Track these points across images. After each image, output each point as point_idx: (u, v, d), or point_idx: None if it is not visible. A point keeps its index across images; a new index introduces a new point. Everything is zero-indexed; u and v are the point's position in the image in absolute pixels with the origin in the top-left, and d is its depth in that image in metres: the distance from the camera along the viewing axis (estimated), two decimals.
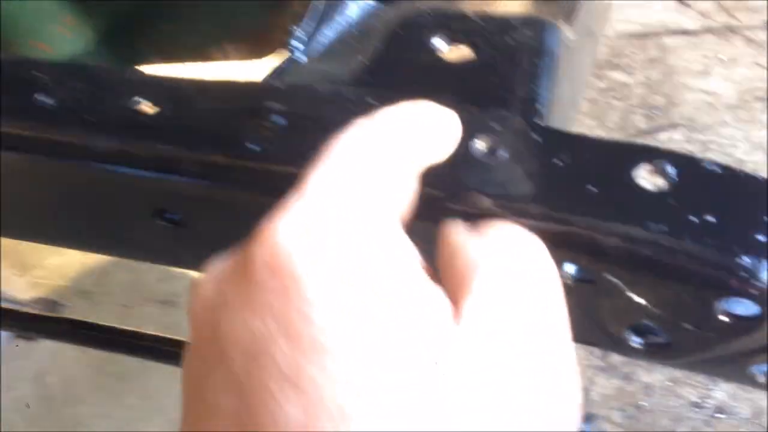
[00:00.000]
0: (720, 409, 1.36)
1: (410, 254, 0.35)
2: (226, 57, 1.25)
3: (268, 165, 0.48)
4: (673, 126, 1.73)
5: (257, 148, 0.49)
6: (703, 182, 0.43)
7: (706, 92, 1.78)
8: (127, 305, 1.65)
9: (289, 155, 0.48)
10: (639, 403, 1.38)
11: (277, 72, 0.72)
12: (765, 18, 1.91)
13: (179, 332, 1.61)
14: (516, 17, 0.57)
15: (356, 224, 0.33)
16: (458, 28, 0.57)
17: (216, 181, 0.50)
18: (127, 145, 0.51)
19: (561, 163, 0.45)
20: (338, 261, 0.31)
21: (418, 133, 0.43)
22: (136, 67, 1.27)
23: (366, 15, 0.90)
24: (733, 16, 1.95)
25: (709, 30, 1.93)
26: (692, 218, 0.42)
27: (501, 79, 0.53)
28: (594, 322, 0.48)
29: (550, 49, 0.55)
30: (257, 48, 1.21)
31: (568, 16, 0.62)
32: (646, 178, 0.44)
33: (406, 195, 0.42)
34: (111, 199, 0.57)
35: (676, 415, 1.35)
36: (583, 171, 0.44)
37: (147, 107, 0.53)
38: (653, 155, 0.44)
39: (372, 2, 0.89)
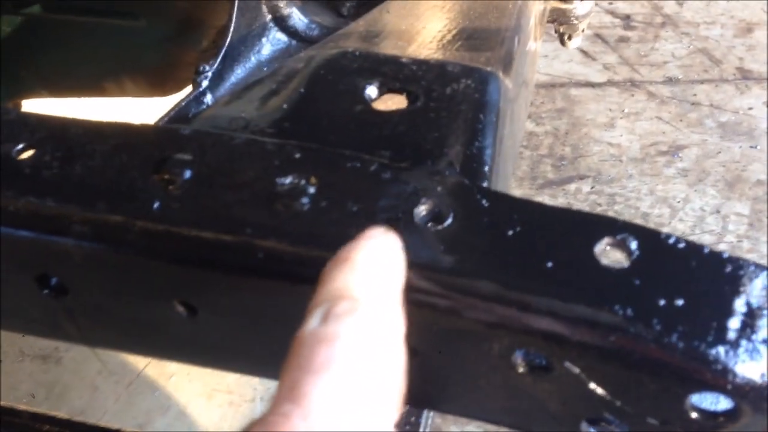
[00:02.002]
0: None
1: None
2: (123, 93, 1.16)
3: (170, 227, 0.41)
4: (581, 177, 1.74)
5: (157, 206, 0.42)
6: (666, 259, 0.39)
7: (612, 144, 1.80)
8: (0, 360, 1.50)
9: (194, 216, 0.41)
10: None
11: (178, 112, 0.64)
12: (665, 73, 1.98)
13: (60, 392, 1.47)
14: (454, 64, 0.52)
15: None
16: (391, 73, 0.52)
17: (107, 243, 0.42)
18: None
19: (513, 235, 0.39)
20: None
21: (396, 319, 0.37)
22: (14, 102, 1.15)
23: (280, 54, 0.83)
24: (635, 71, 2.00)
25: (613, 83, 1.97)
26: (660, 301, 0.37)
27: (440, 133, 0.48)
28: (547, 412, 0.42)
29: (492, 101, 0.50)
30: (160, 84, 1.13)
31: (506, 65, 0.58)
32: (607, 253, 0.39)
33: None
34: None
35: None
36: (539, 244, 0.39)
37: (24, 153, 0.45)
38: (615, 229, 0.39)
39: (287, 40, 0.83)
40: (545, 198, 1.72)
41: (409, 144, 0.47)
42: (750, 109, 1.88)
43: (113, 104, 1.22)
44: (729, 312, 0.37)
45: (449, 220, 0.40)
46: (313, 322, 0.34)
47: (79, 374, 1.52)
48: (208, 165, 0.44)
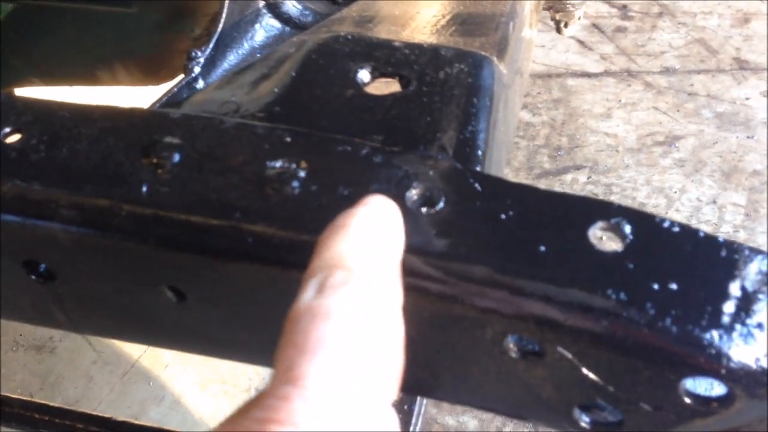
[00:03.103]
0: None
1: None
2: (116, 81, 1.15)
3: (158, 211, 0.40)
4: (577, 168, 1.74)
5: (145, 190, 0.41)
6: (660, 243, 0.38)
7: (608, 135, 1.80)
8: None
9: (183, 200, 0.40)
10: None
11: (170, 98, 0.64)
12: (662, 63, 1.97)
13: (54, 382, 1.47)
14: (447, 49, 0.51)
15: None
16: (383, 58, 0.51)
17: (94, 228, 0.41)
18: None
19: (506, 218, 0.39)
20: None
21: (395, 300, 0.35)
22: (7, 90, 1.14)
23: (274, 40, 0.83)
24: (632, 61, 1.99)
25: (609, 73, 1.96)
26: (653, 285, 0.36)
27: (433, 118, 0.47)
28: (539, 399, 0.42)
29: (486, 85, 0.49)
30: (153, 72, 1.12)
31: (500, 50, 0.57)
32: (601, 237, 0.39)
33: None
34: None
35: None
36: (532, 228, 0.38)
37: (11, 137, 0.44)
38: (609, 213, 0.39)
39: (280, 26, 0.82)
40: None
41: (402, 128, 0.47)
42: (747, 99, 1.87)
43: (107, 92, 1.21)
44: (723, 296, 0.36)
45: (441, 204, 0.40)
46: (307, 294, 0.33)
47: (74, 364, 1.52)
48: (197, 149, 0.43)
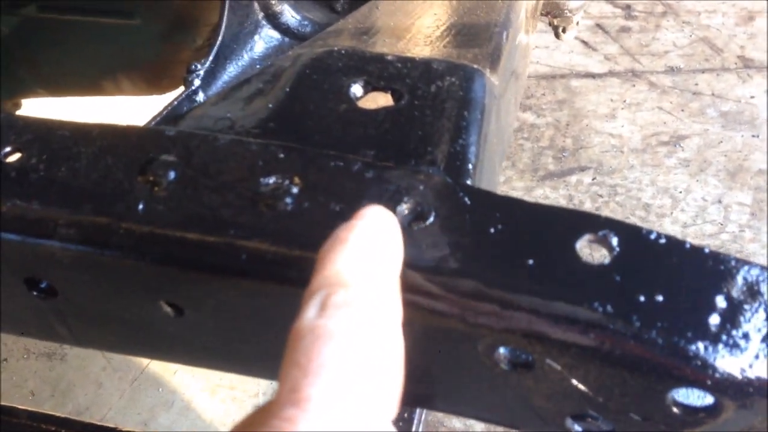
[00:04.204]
0: None
1: None
2: (120, 91, 1.16)
3: (154, 229, 0.41)
4: (582, 169, 1.74)
5: (142, 208, 0.42)
6: (646, 255, 0.39)
7: (613, 135, 1.80)
8: (6, 358, 1.51)
9: (178, 217, 0.41)
10: None
11: (170, 112, 0.65)
12: (667, 63, 1.97)
13: (65, 389, 1.48)
14: (439, 62, 0.52)
15: None
16: (376, 72, 0.52)
17: (92, 246, 0.42)
18: None
19: (495, 232, 0.40)
20: None
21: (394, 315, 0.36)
22: (13, 101, 1.16)
23: (273, 51, 0.84)
24: (636, 61, 1.99)
25: (614, 73, 1.96)
26: (640, 297, 0.37)
27: (424, 132, 0.48)
28: (531, 410, 0.42)
29: (477, 98, 0.50)
30: (156, 82, 1.13)
31: (493, 60, 0.58)
32: (589, 249, 0.39)
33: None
34: None
35: None
36: (520, 241, 0.39)
37: (12, 156, 0.45)
38: (596, 225, 0.39)
39: (279, 37, 0.83)
40: (546, 190, 1.72)
41: (393, 142, 0.47)
42: (752, 97, 1.87)
43: (112, 102, 1.23)
44: (709, 307, 0.37)
45: (431, 219, 0.40)
46: (309, 313, 0.33)
47: (84, 371, 1.53)
48: (192, 166, 0.44)
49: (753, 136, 1.78)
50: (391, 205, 0.41)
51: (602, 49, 2.03)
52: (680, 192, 1.67)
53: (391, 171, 0.43)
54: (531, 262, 0.38)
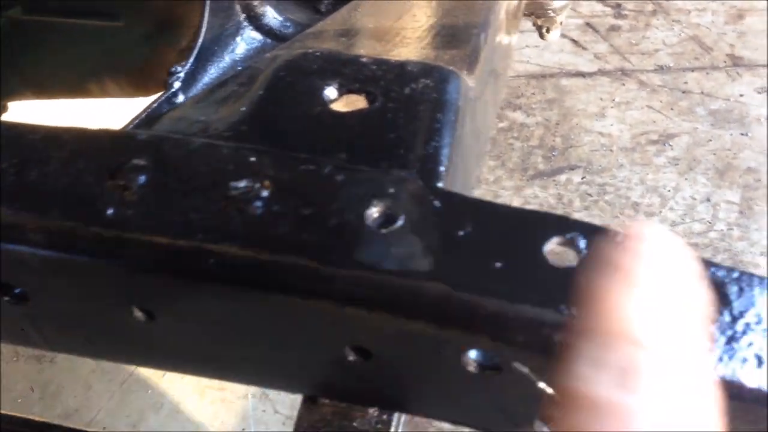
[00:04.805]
0: None
1: None
2: (106, 93, 1.15)
3: (123, 233, 0.41)
4: (572, 168, 1.74)
5: (111, 213, 0.42)
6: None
7: (602, 134, 1.80)
8: None
9: (148, 221, 0.41)
10: None
11: (149, 115, 0.64)
12: (656, 61, 1.97)
13: (54, 391, 1.48)
14: (414, 64, 0.52)
15: None
16: (351, 74, 0.52)
17: (62, 251, 0.42)
18: None
19: (464, 235, 0.40)
20: None
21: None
22: None
23: (255, 53, 0.83)
24: (626, 59, 1.99)
25: (603, 72, 1.96)
26: None
27: (398, 134, 0.48)
28: (502, 412, 0.42)
29: (451, 100, 0.50)
30: (142, 84, 1.12)
31: (471, 62, 0.58)
32: (556, 251, 0.39)
33: None
34: None
35: None
36: (489, 244, 0.39)
37: None
38: (564, 228, 0.39)
39: (261, 38, 0.83)
40: (536, 189, 1.72)
41: (366, 145, 0.47)
42: (741, 96, 1.87)
43: (98, 105, 1.22)
44: None
45: (400, 222, 0.40)
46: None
47: (73, 373, 1.53)
48: (163, 170, 0.44)
49: (742, 134, 1.78)
50: (361, 208, 0.41)
51: (592, 48, 2.03)
52: (669, 191, 1.67)
53: (361, 174, 0.43)
54: (498, 264, 0.38)
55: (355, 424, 0.58)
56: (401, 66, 0.52)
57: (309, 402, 0.57)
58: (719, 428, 0.26)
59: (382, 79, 0.51)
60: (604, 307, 0.26)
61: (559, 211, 1.66)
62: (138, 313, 0.44)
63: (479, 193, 1.68)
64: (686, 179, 1.69)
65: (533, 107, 1.89)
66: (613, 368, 0.25)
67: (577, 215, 1.63)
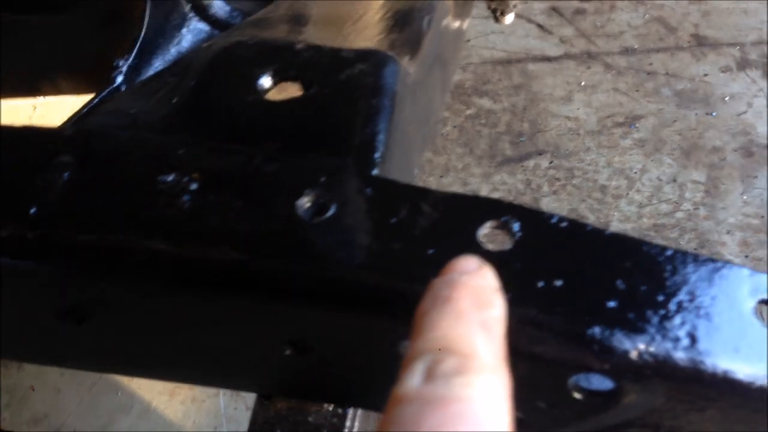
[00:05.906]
0: None
1: None
2: (59, 91, 1.13)
3: (45, 232, 0.40)
4: (539, 153, 1.74)
5: (33, 212, 0.40)
6: (548, 239, 0.38)
7: (569, 118, 1.80)
8: None
9: (71, 219, 0.40)
10: None
11: (91, 108, 0.63)
12: (622, 44, 1.97)
13: (23, 396, 1.45)
14: (350, 50, 0.51)
15: None
16: (285, 62, 0.50)
17: None
18: None
19: (396, 222, 0.39)
20: None
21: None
22: None
23: (200, 43, 0.82)
24: (592, 42, 1.99)
25: (569, 56, 1.96)
26: (539, 283, 0.36)
27: (332, 121, 0.47)
28: None
29: (388, 86, 0.49)
30: (94, 80, 1.10)
31: (412, 46, 0.56)
32: (490, 236, 0.39)
33: None
34: None
35: None
36: (422, 230, 0.38)
37: None
38: (498, 211, 0.39)
39: (209, 29, 0.81)
40: (504, 175, 1.71)
41: (301, 133, 0.46)
42: (705, 75, 1.88)
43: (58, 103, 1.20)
44: (608, 291, 0.36)
45: (332, 211, 0.39)
46: (413, 380, 0.30)
47: (42, 378, 1.50)
48: (89, 166, 0.42)
49: (707, 113, 1.79)
50: (292, 198, 0.40)
51: (558, 32, 2.03)
52: (635, 172, 1.67)
53: (292, 163, 0.42)
54: (431, 251, 0.38)
55: (310, 419, 0.57)
56: (337, 52, 0.51)
57: (263, 399, 0.56)
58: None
59: (317, 66, 0.50)
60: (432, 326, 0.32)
61: (528, 197, 1.65)
62: (69, 316, 0.43)
63: (447, 181, 1.67)
64: (652, 160, 1.69)
65: (500, 93, 1.89)
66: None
67: (546, 200, 1.63)
